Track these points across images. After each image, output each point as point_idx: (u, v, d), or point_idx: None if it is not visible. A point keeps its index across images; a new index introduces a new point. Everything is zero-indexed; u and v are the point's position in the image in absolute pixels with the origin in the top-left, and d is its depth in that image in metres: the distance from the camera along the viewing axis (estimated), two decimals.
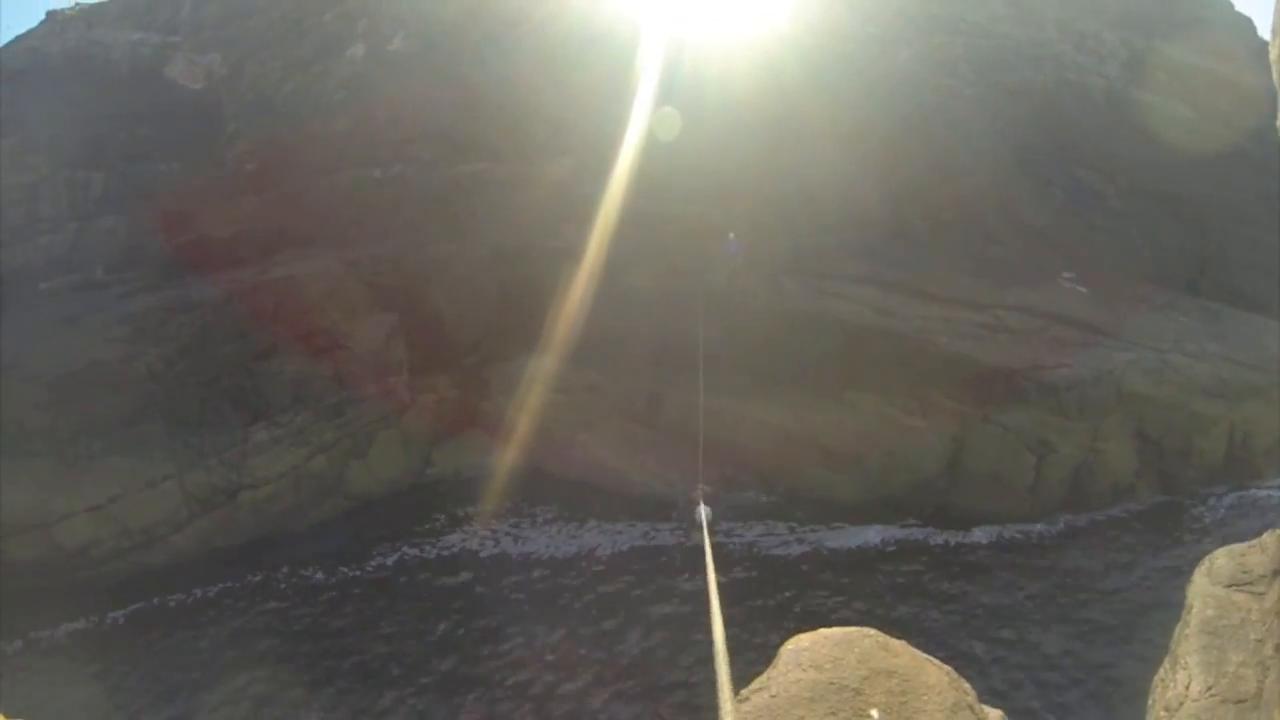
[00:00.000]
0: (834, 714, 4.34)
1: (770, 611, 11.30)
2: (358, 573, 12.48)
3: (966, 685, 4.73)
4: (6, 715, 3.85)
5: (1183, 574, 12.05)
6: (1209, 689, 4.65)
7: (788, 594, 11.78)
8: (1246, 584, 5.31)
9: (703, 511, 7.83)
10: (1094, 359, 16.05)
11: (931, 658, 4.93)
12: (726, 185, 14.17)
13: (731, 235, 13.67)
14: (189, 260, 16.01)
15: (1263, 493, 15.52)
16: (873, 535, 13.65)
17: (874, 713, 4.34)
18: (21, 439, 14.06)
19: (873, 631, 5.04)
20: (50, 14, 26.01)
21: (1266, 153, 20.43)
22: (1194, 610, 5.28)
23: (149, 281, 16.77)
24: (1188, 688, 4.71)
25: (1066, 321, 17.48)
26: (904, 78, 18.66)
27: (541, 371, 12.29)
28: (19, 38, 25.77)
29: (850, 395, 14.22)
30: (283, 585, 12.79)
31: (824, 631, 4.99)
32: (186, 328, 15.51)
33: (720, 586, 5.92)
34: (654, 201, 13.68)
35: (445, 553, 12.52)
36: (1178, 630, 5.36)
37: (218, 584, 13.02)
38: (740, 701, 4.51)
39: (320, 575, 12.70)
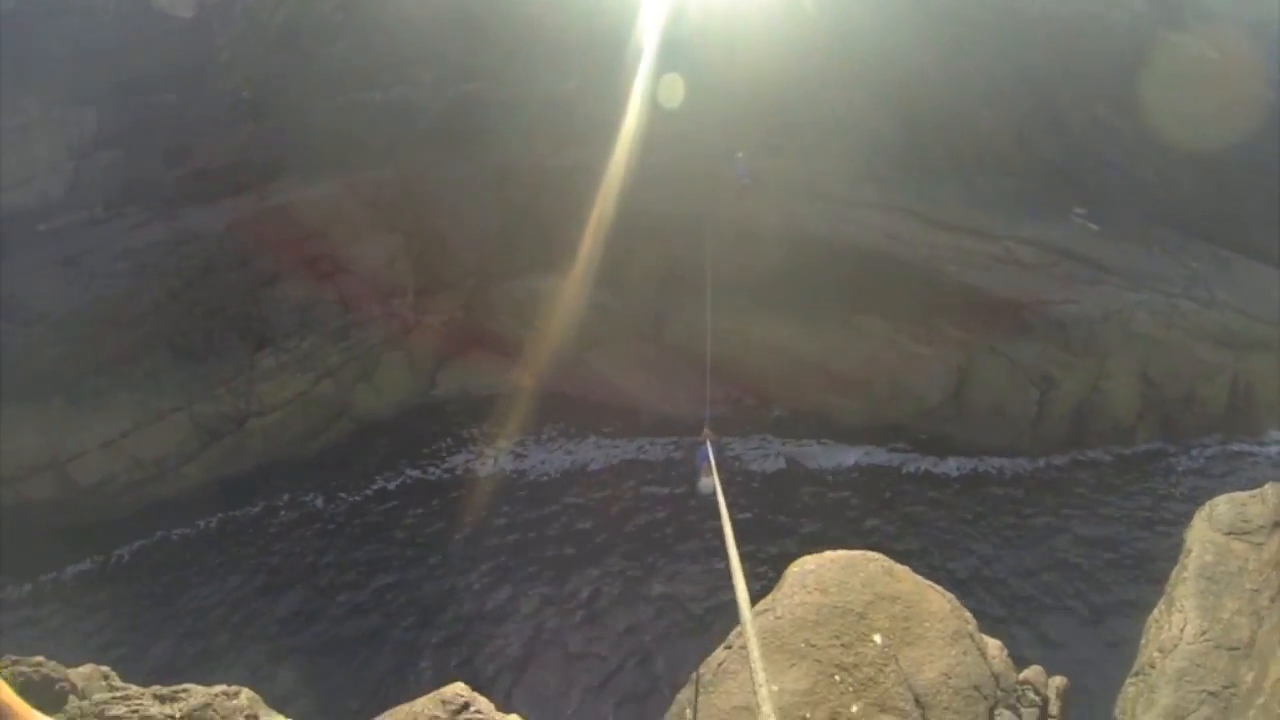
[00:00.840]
0: (838, 638, 4.43)
1: (769, 528, 11.41)
2: (357, 498, 12.59)
3: (967, 614, 4.85)
4: (18, 656, 3.91)
5: (1178, 518, 12.19)
6: (1203, 633, 4.69)
7: (787, 510, 11.89)
8: (1245, 533, 5.36)
9: (709, 452, 6.85)
10: (1102, 297, 15.88)
11: (934, 584, 5.01)
12: (738, 108, 13.80)
13: (740, 155, 13.36)
14: (189, 191, 15.76)
15: (1262, 447, 15.54)
16: (876, 457, 13.74)
17: (877, 638, 4.44)
18: (30, 380, 14.06)
19: (877, 556, 5.11)
20: None
21: None
22: (1192, 554, 5.32)
23: (149, 215, 16.54)
24: (1182, 630, 4.75)
25: (1076, 258, 17.23)
26: (923, 5, 18.03)
27: (548, 291, 12.17)
28: None
29: (858, 320, 14.11)
30: (284, 514, 12.91)
31: (829, 554, 5.07)
32: (189, 259, 15.36)
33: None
34: (661, 122, 13.35)
35: (447, 475, 12.62)
36: (1174, 573, 5.39)
37: (217, 514, 13.15)
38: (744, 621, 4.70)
39: (319, 502, 12.80)
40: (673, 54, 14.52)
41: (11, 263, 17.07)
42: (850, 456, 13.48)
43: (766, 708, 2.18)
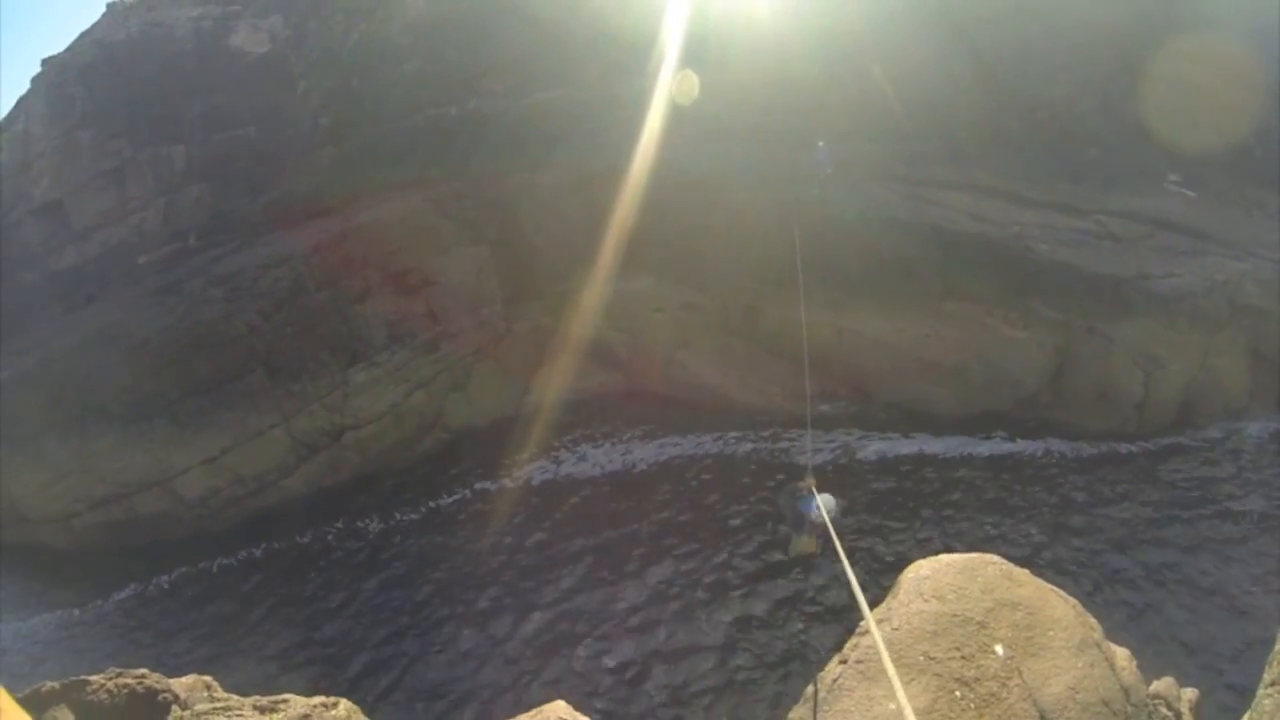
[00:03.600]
0: (958, 649, 4.16)
1: (873, 526, 10.99)
2: (449, 505, 12.59)
3: (1093, 620, 4.58)
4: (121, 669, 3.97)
5: None
6: None
7: (889, 506, 11.45)
8: None
9: (820, 508, 5.43)
10: (1205, 268, 14.88)
11: (1057, 589, 4.70)
12: (812, 94, 13.51)
13: (821, 144, 13.05)
14: (276, 217, 16.43)
15: None
16: (979, 448, 13.16)
17: (999, 649, 4.14)
18: (136, 404, 14.86)
19: (996, 558, 4.81)
20: (110, 5, 26.86)
21: None
22: None
23: (240, 242, 17.35)
24: None
25: (1174, 228, 16.24)
26: None
27: (636, 293, 12.11)
28: (84, 33, 26.75)
29: (948, 306, 13.57)
30: (373, 526, 13.10)
31: (945, 558, 4.81)
32: (280, 281, 15.97)
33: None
34: (738, 114, 13.16)
35: (539, 479, 12.59)
36: None
37: (316, 527, 13.47)
38: (860, 634, 4.38)
39: (412, 513, 12.84)
40: (725, 47, 14.25)
41: (114, 294, 18.18)
42: (951, 448, 12.95)
43: None
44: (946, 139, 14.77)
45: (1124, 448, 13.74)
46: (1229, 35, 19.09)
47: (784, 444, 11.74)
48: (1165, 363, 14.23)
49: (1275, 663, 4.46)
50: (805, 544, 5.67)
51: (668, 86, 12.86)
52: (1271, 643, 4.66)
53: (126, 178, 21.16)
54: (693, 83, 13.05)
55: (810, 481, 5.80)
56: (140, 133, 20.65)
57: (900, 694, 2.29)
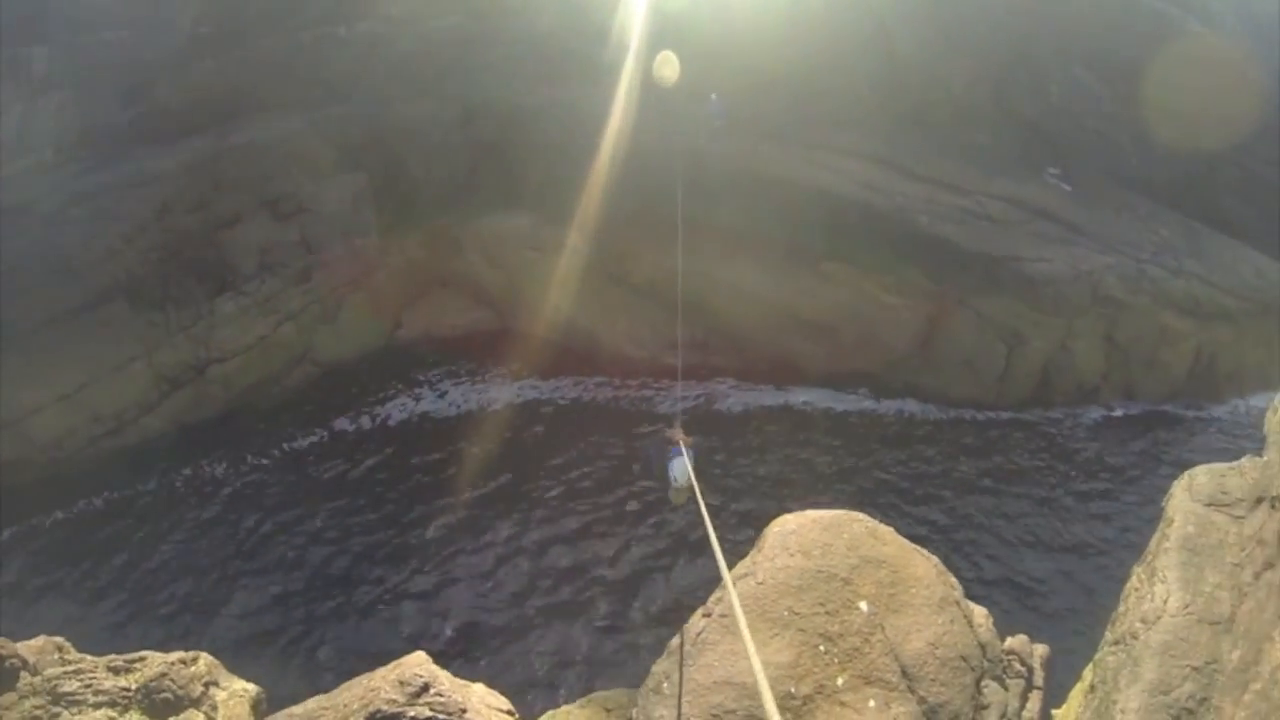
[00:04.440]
0: (823, 605, 4.24)
1: (738, 476, 11.35)
2: (316, 444, 12.13)
3: (953, 579, 4.77)
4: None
5: (1142, 481, 12.30)
6: (1186, 606, 4.59)
7: (754, 458, 11.86)
8: (1225, 505, 5.25)
9: (684, 460, 5.37)
10: (1073, 258, 16.04)
11: (919, 547, 4.89)
12: (711, 47, 13.51)
13: (714, 96, 13.12)
14: (144, 133, 15.11)
15: (1219, 414, 15.79)
16: (843, 403, 13.77)
17: (863, 605, 4.25)
18: None
19: (861, 516, 4.93)
20: None
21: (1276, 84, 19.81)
22: (1174, 525, 5.19)
23: (104, 158, 15.87)
24: (1165, 602, 4.65)
25: (1048, 217, 17.34)
26: None
27: (516, 231, 11.89)
28: None
29: (827, 267, 14.04)
30: (243, 465, 12.50)
31: (811, 513, 4.87)
32: (145, 203, 14.76)
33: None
34: (634, 60, 13.03)
35: (406, 417, 12.24)
36: (1155, 542, 5.27)
37: (179, 467, 12.74)
38: (724, 588, 4.14)
39: (278, 451, 12.33)
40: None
41: None
42: (817, 401, 13.49)
43: (769, 704, 1.99)
44: (845, 108, 15.15)
45: (979, 414, 14.70)
46: (1126, 46, 20.46)
47: (648, 392, 11.91)
48: (1027, 339, 15.30)
49: (1116, 622, 4.90)
50: (675, 495, 5.52)
51: (566, 25, 12.49)
52: (1112, 604, 5.10)
53: None
54: (674, 64, 12.75)
55: (679, 433, 5.61)
56: None
57: (753, 654, 2.32)
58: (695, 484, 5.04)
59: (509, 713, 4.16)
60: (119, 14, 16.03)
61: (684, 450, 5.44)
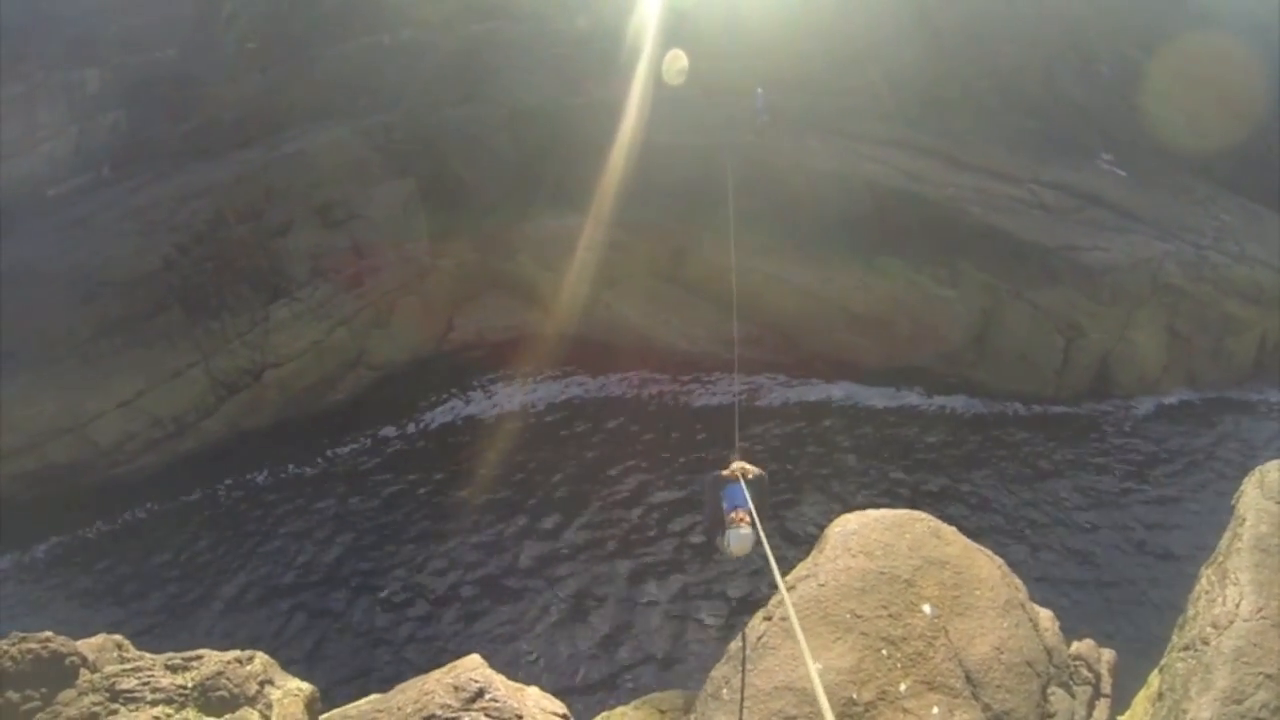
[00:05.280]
0: (885, 608, 4.12)
1: (793, 475, 11.14)
2: (371, 447, 12.27)
3: (1018, 581, 4.62)
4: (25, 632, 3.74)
5: (1209, 475, 11.74)
6: (1259, 610, 4.36)
7: (811, 455, 11.63)
8: None
9: (744, 493, 4.39)
10: (1131, 245, 15.50)
11: (983, 548, 4.73)
12: (755, 41, 13.40)
13: (759, 90, 12.99)
14: (196, 147, 15.52)
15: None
16: (900, 399, 13.50)
17: (926, 608, 4.13)
18: (45, 345, 13.95)
19: (924, 515, 4.80)
20: None
21: None
22: (1246, 524, 4.94)
23: (157, 173, 16.34)
24: (1238, 606, 4.43)
25: (1103, 204, 16.83)
26: None
27: (566, 231, 11.93)
28: None
29: (879, 260, 13.81)
30: (299, 470, 12.66)
31: (873, 513, 4.77)
32: (199, 214, 15.15)
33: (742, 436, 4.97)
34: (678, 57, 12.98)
35: (462, 420, 12.33)
36: (1226, 542, 5.03)
37: (237, 474, 12.98)
38: (786, 589, 4.03)
39: (334, 455, 12.50)
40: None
41: (21, 229, 16.94)
42: (874, 398, 13.26)
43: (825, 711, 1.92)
44: (889, 97, 14.90)
45: (1035, 409, 14.28)
46: (1177, 23, 19.71)
47: (699, 387, 11.79)
48: (1086, 331, 14.86)
49: (1185, 626, 4.70)
50: (736, 538, 4.42)
51: (605, 24, 12.53)
52: (1180, 608, 4.89)
53: (36, 103, 19.65)
54: (683, 62, 12.70)
55: (739, 463, 4.64)
56: (51, 55, 19.16)
57: (809, 662, 2.33)
58: (759, 526, 4.20)
59: (563, 717, 4.08)
60: (167, 34, 16.53)
61: (744, 490, 4.41)
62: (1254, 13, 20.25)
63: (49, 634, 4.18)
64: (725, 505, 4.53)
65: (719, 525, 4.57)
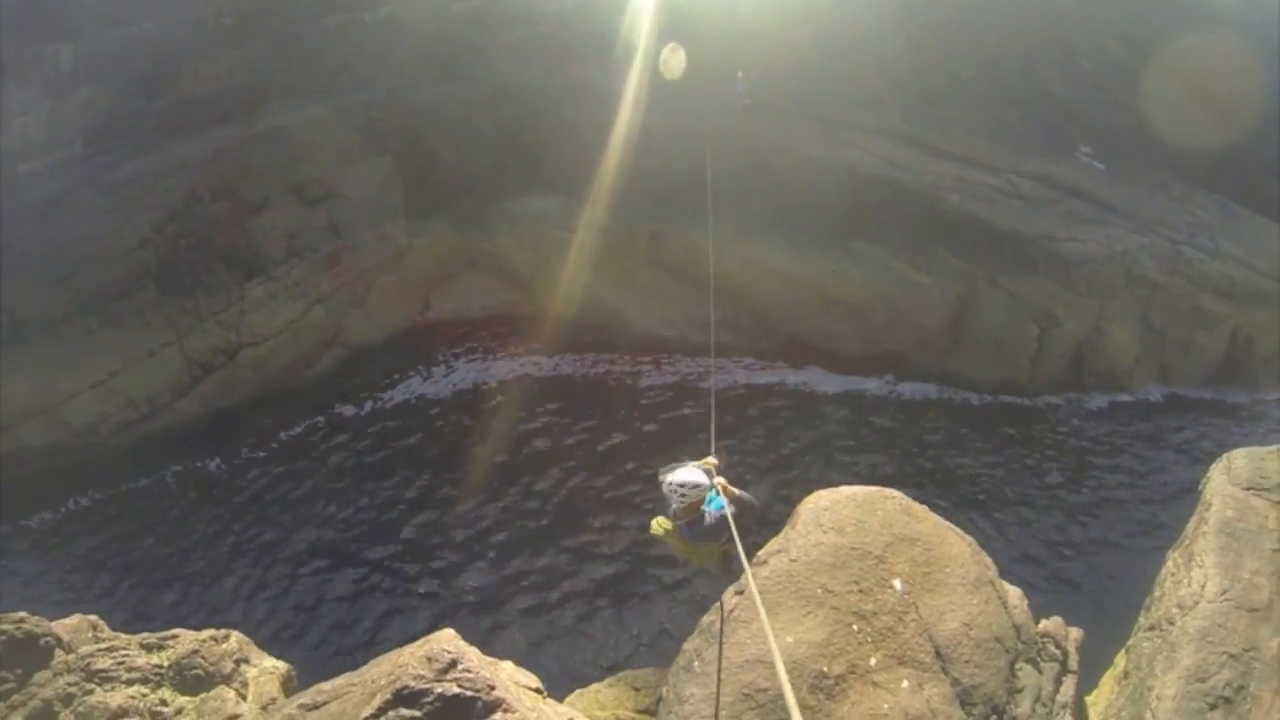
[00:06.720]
0: (856, 583, 4.18)
1: (768, 456, 11.25)
2: (349, 425, 12.23)
3: (988, 559, 4.66)
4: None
5: (1176, 465, 11.94)
6: (1224, 592, 4.49)
7: (785, 437, 11.74)
8: (1264, 489, 5.12)
9: (726, 506, 3.82)
10: (1107, 237, 15.71)
11: (953, 526, 4.79)
12: (738, 27, 13.40)
13: (740, 75, 13.01)
14: (171, 123, 15.26)
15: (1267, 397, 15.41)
16: (872, 386, 13.62)
17: (896, 584, 4.19)
18: (17, 325, 13.70)
19: (895, 493, 4.86)
20: None
21: None
22: (1212, 509, 5.07)
23: (131, 150, 16.06)
24: (1203, 588, 4.56)
25: (1081, 196, 17.04)
26: None
27: (544, 212, 11.88)
28: None
29: (857, 246, 13.90)
30: (275, 447, 12.61)
31: (845, 490, 4.81)
32: (174, 191, 14.92)
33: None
34: (661, 41, 12.95)
35: (436, 397, 12.24)
36: (1192, 526, 5.15)
37: (213, 453, 12.88)
38: (757, 565, 4.27)
39: (313, 434, 12.42)
40: None
41: None
42: (848, 384, 13.38)
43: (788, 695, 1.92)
44: (869, 85, 14.97)
45: (1006, 398, 14.45)
46: (1160, 18, 19.90)
47: (675, 368, 11.82)
48: (1060, 320, 15.03)
49: (1152, 608, 4.85)
50: (704, 554, 4.14)
51: (589, 5, 12.46)
52: (1144, 589, 5.05)
53: (6, 79, 19.21)
54: (680, 58, 12.64)
55: (718, 478, 4.07)
56: (22, 28, 18.71)
57: (771, 641, 2.33)
58: (736, 537, 3.53)
59: (537, 690, 4.12)
60: (142, 8, 16.20)
61: (725, 504, 3.85)
62: (1239, 11, 20.53)
63: (23, 614, 4.14)
64: (706, 520, 3.88)
65: (699, 536, 3.95)
